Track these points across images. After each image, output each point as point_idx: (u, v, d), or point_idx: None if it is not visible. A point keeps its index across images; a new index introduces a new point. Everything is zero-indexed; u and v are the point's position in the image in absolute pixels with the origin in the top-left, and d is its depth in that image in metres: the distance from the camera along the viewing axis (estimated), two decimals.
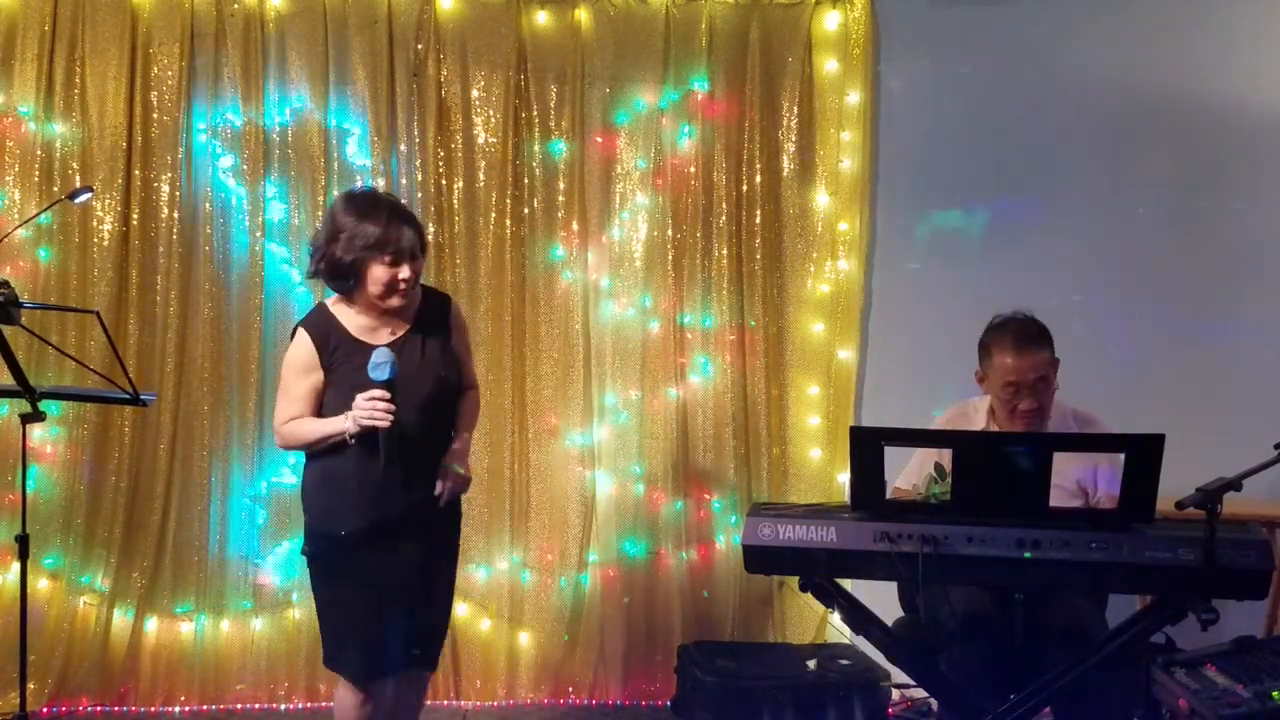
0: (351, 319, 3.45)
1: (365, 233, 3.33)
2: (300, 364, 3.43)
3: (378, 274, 3.35)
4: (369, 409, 3.26)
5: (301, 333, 3.46)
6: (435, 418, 3.48)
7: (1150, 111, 5.00)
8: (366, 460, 3.34)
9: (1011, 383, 3.64)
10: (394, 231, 3.34)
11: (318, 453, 3.44)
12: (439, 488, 3.46)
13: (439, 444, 3.52)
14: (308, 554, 3.51)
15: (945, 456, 3.36)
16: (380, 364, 3.27)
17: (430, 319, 3.54)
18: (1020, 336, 3.67)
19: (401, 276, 3.36)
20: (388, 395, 3.27)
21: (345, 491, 3.40)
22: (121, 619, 4.81)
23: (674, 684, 4.74)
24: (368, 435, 3.31)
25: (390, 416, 3.26)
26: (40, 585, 4.73)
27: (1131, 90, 4.99)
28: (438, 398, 3.47)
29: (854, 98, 4.98)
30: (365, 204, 3.42)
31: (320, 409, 3.43)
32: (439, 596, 3.59)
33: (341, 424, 3.33)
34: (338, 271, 3.38)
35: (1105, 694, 3.34)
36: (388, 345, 3.39)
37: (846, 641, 4.59)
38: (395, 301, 3.40)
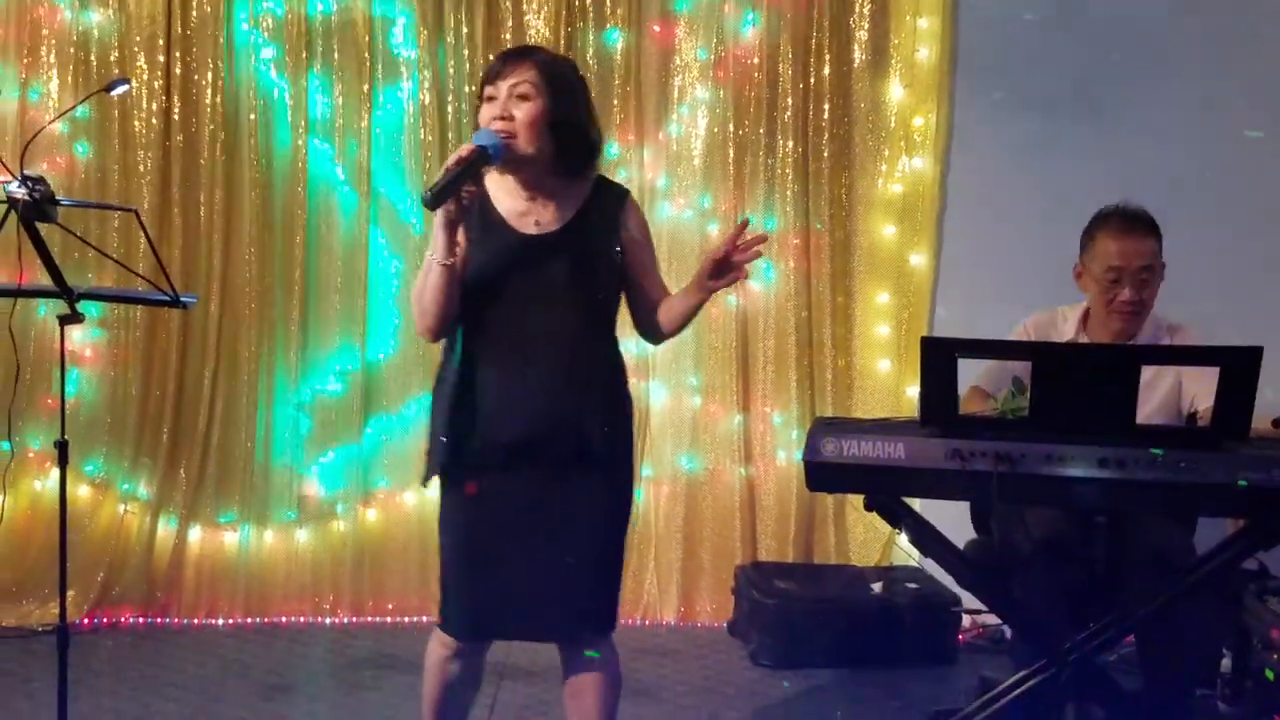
0: (504, 197, 2.84)
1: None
2: None
3: (483, 118, 2.76)
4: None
5: None
6: (581, 342, 2.79)
7: None
8: (483, 366, 2.78)
9: (1114, 268, 3.44)
10: (492, 66, 2.80)
11: (445, 353, 2.92)
12: None
13: (589, 375, 2.79)
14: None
15: (1024, 369, 3.14)
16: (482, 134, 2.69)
17: (596, 218, 2.84)
18: (1127, 220, 3.49)
19: (491, 115, 2.72)
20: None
21: (448, 395, 2.82)
22: (165, 528, 4.74)
23: (731, 605, 4.66)
24: (487, 337, 2.77)
25: (465, 157, 2.61)
26: (81, 492, 4.66)
27: None
28: (588, 317, 2.80)
29: None
30: None
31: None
32: (570, 542, 2.79)
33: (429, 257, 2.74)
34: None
35: (1192, 623, 3.17)
36: (533, 235, 2.80)
37: (914, 564, 4.53)
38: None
